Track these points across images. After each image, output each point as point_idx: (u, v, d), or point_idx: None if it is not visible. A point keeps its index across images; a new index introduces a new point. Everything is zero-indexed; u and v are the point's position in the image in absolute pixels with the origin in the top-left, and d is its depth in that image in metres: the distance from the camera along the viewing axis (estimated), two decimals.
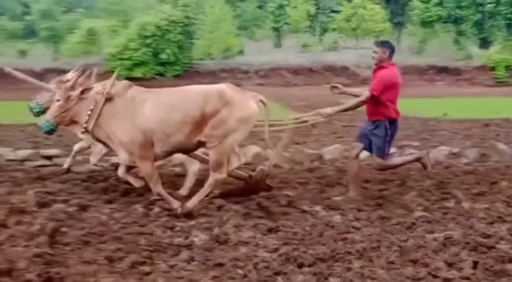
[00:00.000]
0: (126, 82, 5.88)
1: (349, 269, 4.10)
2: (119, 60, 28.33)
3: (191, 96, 5.57)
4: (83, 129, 5.72)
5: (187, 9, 29.16)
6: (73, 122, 5.77)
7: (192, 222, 5.29)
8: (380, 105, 5.89)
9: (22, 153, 8.10)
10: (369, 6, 37.83)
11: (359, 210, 5.74)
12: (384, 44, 6.16)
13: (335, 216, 5.53)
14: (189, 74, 28.16)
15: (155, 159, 5.68)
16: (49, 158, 8.07)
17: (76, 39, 31.60)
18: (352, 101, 6.09)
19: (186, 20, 28.90)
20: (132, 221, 5.29)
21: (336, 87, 6.33)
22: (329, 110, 6.09)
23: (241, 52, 35.47)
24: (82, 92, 5.61)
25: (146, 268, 4.13)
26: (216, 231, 4.99)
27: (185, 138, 5.46)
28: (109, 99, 5.57)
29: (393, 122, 5.96)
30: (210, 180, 5.60)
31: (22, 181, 6.81)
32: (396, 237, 4.82)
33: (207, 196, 5.73)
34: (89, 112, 5.57)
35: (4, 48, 31.13)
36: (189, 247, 4.64)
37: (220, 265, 4.21)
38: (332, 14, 40.17)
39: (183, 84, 6.54)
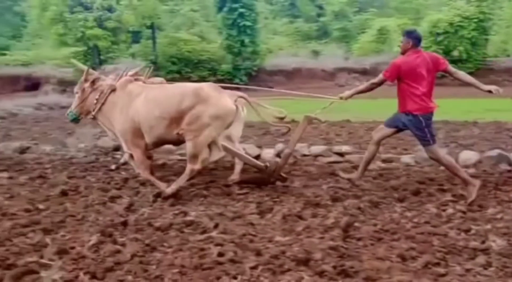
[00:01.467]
0: (128, 78, 6.52)
1: None
2: None
3: (171, 93, 6.04)
4: (92, 117, 6.60)
5: (482, 4, 27.35)
6: (89, 112, 6.67)
7: (488, 226, 4.93)
8: (403, 96, 5.97)
9: (315, 149, 8.56)
10: None
11: None
12: (409, 33, 6.05)
13: None
14: (482, 71, 26.31)
15: (147, 148, 6.29)
16: (341, 154, 8.35)
17: (367, 39, 32.42)
18: (366, 84, 6.35)
19: (481, 16, 27.14)
20: (424, 220, 5.15)
21: None
22: (347, 92, 6.40)
23: None
24: (92, 83, 6.54)
25: (441, 270, 3.96)
26: None
27: (165, 132, 5.99)
28: (113, 90, 6.39)
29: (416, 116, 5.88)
30: (187, 170, 6.05)
31: (316, 176, 7.19)
32: None
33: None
34: (95, 100, 6.47)
35: (299, 49, 33.58)
36: (485, 251, 4.32)
37: None
38: None
39: None
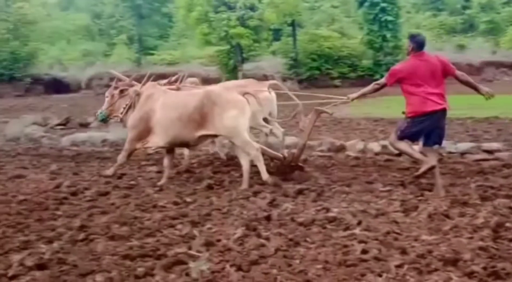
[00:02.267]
0: (152, 83, 7.38)
1: None
2: None
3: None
4: (119, 119, 7.45)
5: None
6: (117, 114, 7.44)
7: None
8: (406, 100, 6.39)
9: (462, 146, 8.17)
10: None
11: None
12: (412, 37, 6.45)
13: None
14: None
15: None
16: (490, 152, 7.89)
17: None
18: (370, 86, 6.80)
19: None
20: None
21: None
22: (354, 94, 6.89)
23: None
24: (121, 91, 7.38)
25: None
26: None
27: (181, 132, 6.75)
28: (138, 95, 7.14)
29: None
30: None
31: (463, 174, 6.86)
32: None
33: None
34: (124, 106, 7.27)
35: (444, 44, 32.18)
36: None
37: None
38: None
39: None
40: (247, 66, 24.86)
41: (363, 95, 6.91)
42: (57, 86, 29.78)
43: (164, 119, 6.78)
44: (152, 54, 32.82)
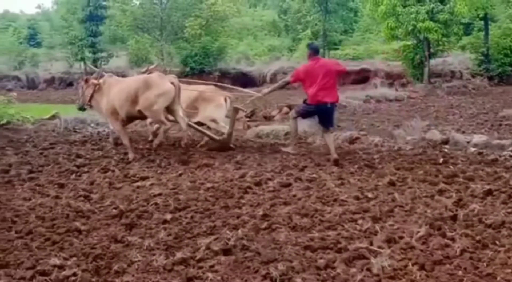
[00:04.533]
0: (108, 74, 9.50)
1: None
2: None
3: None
4: (89, 105, 9.37)
5: None
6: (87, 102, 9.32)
7: None
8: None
9: None
10: None
11: None
12: (309, 45, 9.37)
13: None
14: None
15: (123, 122, 8.85)
16: None
17: None
18: (279, 82, 9.47)
19: None
20: None
21: None
22: (266, 90, 9.55)
23: None
24: (85, 81, 9.35)
25: None
26: None
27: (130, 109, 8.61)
28: (97, 85, 9.07)
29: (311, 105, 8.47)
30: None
31: None
32: None
33: None
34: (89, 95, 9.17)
35: None
36: None
37: None
38: None
39: None
40: (433, 61, 23.93)
41: (273, 91, 9.35)
42: (244, 80, 31.37)
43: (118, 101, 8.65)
44: (336, 49, 33.02)
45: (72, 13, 36.05)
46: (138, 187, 6.80)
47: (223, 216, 5.47)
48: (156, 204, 5.92)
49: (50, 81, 33.00)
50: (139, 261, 4.32)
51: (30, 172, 7.79)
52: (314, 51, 8.64)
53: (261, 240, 4.71)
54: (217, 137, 9.29)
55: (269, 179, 7.01)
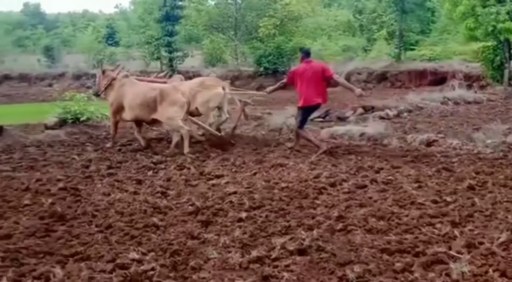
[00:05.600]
0: (125, 73, 10.32)
1: None
2: None
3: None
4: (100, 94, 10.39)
5: None
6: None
7: None
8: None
9: None
10: None
11: None
12: (300, 49, 10.57)
13: None
14: None
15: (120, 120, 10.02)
16: None
17: None
18: (278, 83, 9.99)
19: None
20: None
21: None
22: (268, 89, 10.05)
23: None
24: (103, 72, 10.27)
25: None
26: None
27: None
28: (114, 79, 9.95)
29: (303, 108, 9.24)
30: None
31: None
32: None
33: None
34: (104, 85, 10.07)
35: None
36: None
37: None
38: None
39: None
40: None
41: (275, 90, 9.86)
42: None
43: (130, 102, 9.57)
44: (413, 49, 32.30)
45: (149, 13, 36.94)
46: (213, 185, 6.96)
47: (297, 216, 5.52)
48: (231, 202, 6.05)
49: None
50: (215, 258, 4.42)
51: (109, 167, 8.13)
52: (305, 55, 9.46)
53: (336, 242, 4.73)
54: (218, 133, 10.03)
55: (344, 180, 7.00)
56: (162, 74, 12.51)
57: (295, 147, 9.36)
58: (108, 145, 9.93)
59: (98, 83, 10.36)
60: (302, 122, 9.31)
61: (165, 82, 10.65)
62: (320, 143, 9.25)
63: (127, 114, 9.68)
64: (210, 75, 12.91)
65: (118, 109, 9.75)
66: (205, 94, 10.17)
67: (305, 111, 9.30)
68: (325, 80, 9.11)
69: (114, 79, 9.95)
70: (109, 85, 9.96)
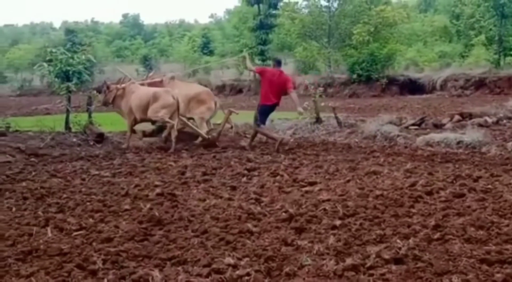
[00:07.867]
0: (131, 81, 11.96)
1: None
2: None
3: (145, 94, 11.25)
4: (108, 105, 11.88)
5: None
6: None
7: None
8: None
9: None
10: None
11: None
12: (273, 59, 13.94)
13: None
14: None
15: (136, 121, 11.49)
16: None
17: None
18: (252, 68, 13.18)
19: None
20: None
21: None
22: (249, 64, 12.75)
23: None
24: (107, 87, 11.64)
25: None
26: None
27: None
28: (120, 90, 11.52)
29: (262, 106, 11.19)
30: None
31: None
32: None
33: None
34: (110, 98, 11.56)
35: None
36: None
37: None
38: None
39: None
40: None
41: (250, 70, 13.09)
42: (412, 87, 30.58)
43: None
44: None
45: (243, 22, 37.69)
46: (306, 192, 6.94)
47: (393, 225, 5.41)
48: (324, 209, 5.99)
49: (221, 88, 34.87)
50: (309, 265, 4.39)
51: (204, 174, 8.30)
52: (276, 63, 11.63)
53: (433, 251, 4.59)
54: (206, 136, 11.38)
55: (441, 189, 6.79)
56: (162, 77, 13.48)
57: (248, 147, 10.89)
58: (124, 146, 11.24)
59: (104, 97, 11.70)
60: (262, 121, 11.07)
61: (161, 82, 12.20)
62: (277, 136, 11.21)
63: (137, 116, 11.18)
64: (166, 74, 13.78)
65: (129, 112, 11.25)
66: (201, 109, 11.78)
67: (263, 108, 11.06)
68: (283, 90, 10.88)
69: (119, 89, 11.44)
70: (116, 97, 11.47)
